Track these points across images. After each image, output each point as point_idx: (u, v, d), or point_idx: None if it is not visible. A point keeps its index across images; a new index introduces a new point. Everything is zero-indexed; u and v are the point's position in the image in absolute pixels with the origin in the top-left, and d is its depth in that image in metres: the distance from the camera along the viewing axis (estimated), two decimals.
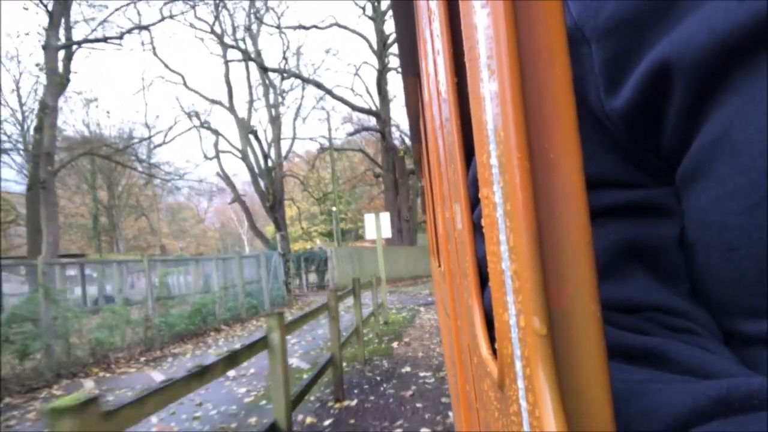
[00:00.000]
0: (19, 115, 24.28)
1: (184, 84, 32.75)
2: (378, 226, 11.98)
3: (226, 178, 33.06)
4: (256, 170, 30.89)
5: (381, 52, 29.10)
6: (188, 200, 41.24)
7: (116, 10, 20.81)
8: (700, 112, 0.35)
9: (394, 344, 8.20)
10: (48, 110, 15.88)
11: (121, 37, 21.92)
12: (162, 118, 61.62)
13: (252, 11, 28.05)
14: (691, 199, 0.38)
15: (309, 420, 4.65)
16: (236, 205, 40.41)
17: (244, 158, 31.53)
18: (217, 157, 32.50)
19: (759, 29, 0.31)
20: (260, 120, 29.58)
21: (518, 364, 0.24)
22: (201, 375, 2.27)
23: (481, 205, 0.30)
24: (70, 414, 1.35)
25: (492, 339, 0.30)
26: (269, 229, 35.32)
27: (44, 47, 16.79)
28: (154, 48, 28.85)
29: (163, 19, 22.08)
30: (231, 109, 31.99)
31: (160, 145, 28.34)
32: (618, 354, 0.34)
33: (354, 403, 5.10)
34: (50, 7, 16.76)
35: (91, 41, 20.18)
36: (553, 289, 0.22)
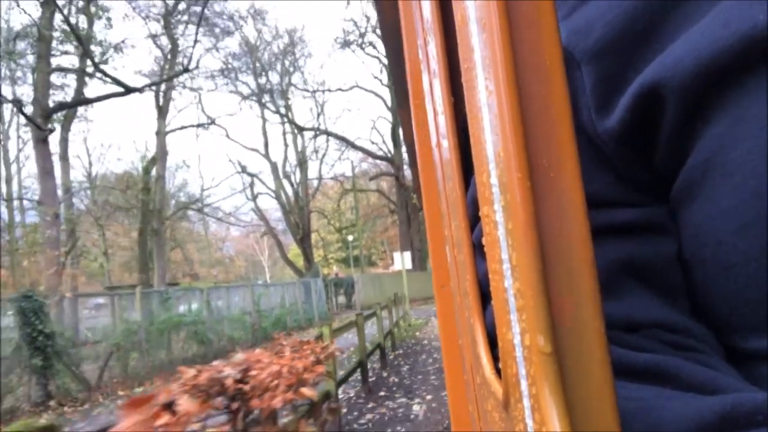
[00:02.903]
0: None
1: (227, 136, 39.05)
2: (403, 260, 19.65)
3: (260, 215, 39.12)
4: (287, 207, 36.96)
5: (395, 109, 35.25)
6: (203, 231, 46.97)
7: (200, 92, 27.45)
8: (691, 132, 0.35)
9: (417, 333, 14.40)
10: (160, 178, 22.13)
11: (210, 124, 28.50)
12: (208, 165, 68.33)
13: (286, 78, 34.52)
14: (686, 217, 0.38)
15: (379, 360, 9.83)
16: (256, 234, 46.26)
17: (278, 198, 37.53)
18: (254, 198, 38.52)
19: (744, 52, 0.31)
20: (290, 164, 35.11)
21: (524, 383, 0.24)
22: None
23: (481, 224, 0.30)
24: None
25: (495, 358, 0.30)
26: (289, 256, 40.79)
27: (157, 133, 23.12)
28: (203, 107, 35.23)
29: (241, 110, 28.37)
30: (266, 156, 37.97)
31: (208, 188, 34.51)
32: (620, 372, 0.33)
33: (401, 351, 11.06)
34: (161, 103, 23.26)
35: (187, 127, 26.87)
36: (558, 307, 0.22)
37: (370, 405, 6.58)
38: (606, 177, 0.40)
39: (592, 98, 0.39)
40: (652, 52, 0.36)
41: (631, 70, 0.37)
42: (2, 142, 27.51)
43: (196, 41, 16.83)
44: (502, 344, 0.27)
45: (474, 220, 0.38)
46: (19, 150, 28.83)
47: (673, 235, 0.39)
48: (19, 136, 28.28)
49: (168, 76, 22.15)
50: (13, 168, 28.89)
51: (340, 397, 6.61)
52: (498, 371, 0.29)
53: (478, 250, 0.37)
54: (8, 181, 28.55)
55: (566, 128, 0.23)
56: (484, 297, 0.36)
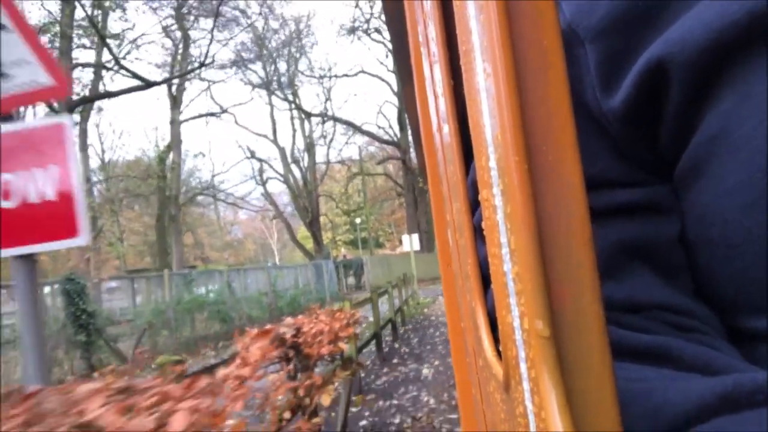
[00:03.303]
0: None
1: (236, 122, 39.89)
2: (411, 242, 20.83)
3: (270, 199, 40.04)
4: (296, 192, 37.83)
5: (401, 94, 35.93)
6: (214, 215, 48.03)
7: (212, 83, 28.43)
8: (697, 109, 0.34)
9: (425, 310, 15.42)
10: (176, 166, 23.21)
11: (222, 113, 29.50)
12: (218, 151, 69.58)
13: (293, 65, 35.25)
14: (691, 196, 0.37)
15: (391, 333, 10.70)
16: (265, 219, 47.23)
17: (286, 182, 38.39)
18: (263, 183, 39.41)
19: (752, 26, 0.31)
20: (298, 149, 36.18)
21: (523, 366, 0.24)
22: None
23: (481, 208, 0.30)
24: None
25: (496, 341, 0.30)
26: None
27: (171, 122, 24.19)
28: (212, 95, 36.43)
29: (251, 99, 29.43)
30: (275, 141, 38.69)
31: (218, 174, 35.67)
32: (622, 353, 0.33)
33: (410, 326, 11.92)
34: (174, 92, 24.29)
35: (199, 116, 27.91)
36: (556, 291, 0.22)
37: (385, 370, 7.47)
38: (611, 157, 0.39)
39: (597, 77, 0.38)
40: (658, 29, 0.35)
41: (636, 47, 0.36)
42: None
43: (212, 38, 17.62)
44: (502, 327, 0.27)
45: (475, 203, 0.38)
46: None
47: (676, 215, 0.39)
48: None
49: (183, 69, 23.00)
50: None
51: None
52: (499, 354, 0.29)
53: (478, 234, 0.37)
54: None
55: (565, 111, 0.23)
56: (485, 280, 0.35)
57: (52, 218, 2.16)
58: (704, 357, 0.33)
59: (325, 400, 3.39)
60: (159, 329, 12.14)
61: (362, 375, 6.90)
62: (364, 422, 5.12)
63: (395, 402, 5.74)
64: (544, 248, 0.22)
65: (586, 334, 0.22)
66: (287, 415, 3.26)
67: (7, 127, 2.22)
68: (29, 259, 2.20)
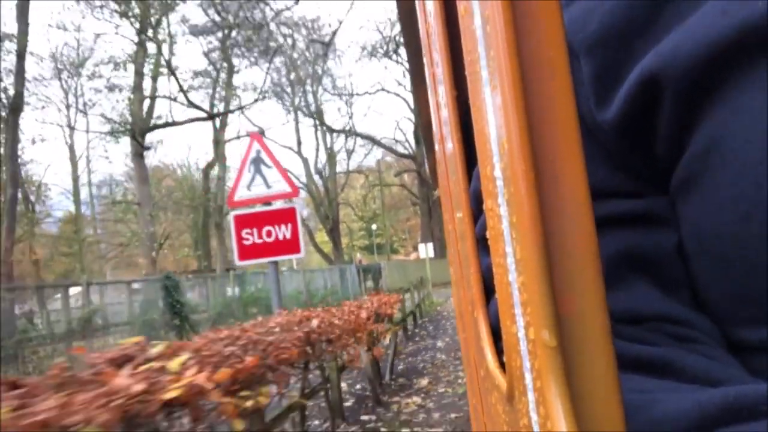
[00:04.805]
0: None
1: (263, 134, 43.32)
2: (427, 250, 23.89)
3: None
4: (317, 200, 41.13)
5: (417, 111, 38.54)
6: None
7: (247, 105, 31.96)
8: (689, 122, 0.34)
9: (437, 308, 18.10)
10: (221, 180, 26.66)
11: (260, 134, 32.68)
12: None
13: (318, 83, 38.63)
14: (685, 209, 0.37)
15: (412, 322, 13.68)
16: None
17: (309, 191, 41.71)
18: None
19: (744, 39, 0.30)
20: (320, 161, 39.51)
21: (528, 377, 0.24)
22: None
23: (484, 218, 0.29)
24: None
25: (499, 351, 0.30)
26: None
27: (216, 142, 27.60)
28: (245, 115, 40.07)
29: (288, 122, 32.28)
30: (299, 153, 42.03)
31: None
32: (623, 365, 0.30)
33: (427, 320, 14.50)
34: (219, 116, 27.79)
35: (241, 136, 31.51)
36: (562, 300, 0.22)
37: (410, 344, 10.54)
38: (607, 168, 0.39)
39: (591, 89, 0.38)
40: (652, 42, 0.35)
41: (630, 59, 0.36)
42: (69, 142, 32.05)
43: (267, 75, 20.69)
44: (506, 338, 0.26)
45: (477, 213, 0.38)
46: (89, 145, 32.91)
47: (674, 226, 0.38)
48: (89, 143, 32.47)
49: (228, 96, 26.39)
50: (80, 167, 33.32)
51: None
52: (502, 364, 0.28)
53: (481, 244, 0.37)
54: (75, 179, 33.16)
55: (570, 120, 0.23)
56: (488, 290, 0.35)
57: (287, 245, 5.41)
58: (705, 368, 0.32)
59: (386, 338, 6.62)
60: (227, 317, 15.43)
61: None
62: (401, 366, 8.29)
63: (419, 358, 8.88)
64: (550, 258, 0.22)
65: (591, 343, 0.22)
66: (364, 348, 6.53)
67: (268, 207, 5.51)
68: (276, 262, 5.48)
